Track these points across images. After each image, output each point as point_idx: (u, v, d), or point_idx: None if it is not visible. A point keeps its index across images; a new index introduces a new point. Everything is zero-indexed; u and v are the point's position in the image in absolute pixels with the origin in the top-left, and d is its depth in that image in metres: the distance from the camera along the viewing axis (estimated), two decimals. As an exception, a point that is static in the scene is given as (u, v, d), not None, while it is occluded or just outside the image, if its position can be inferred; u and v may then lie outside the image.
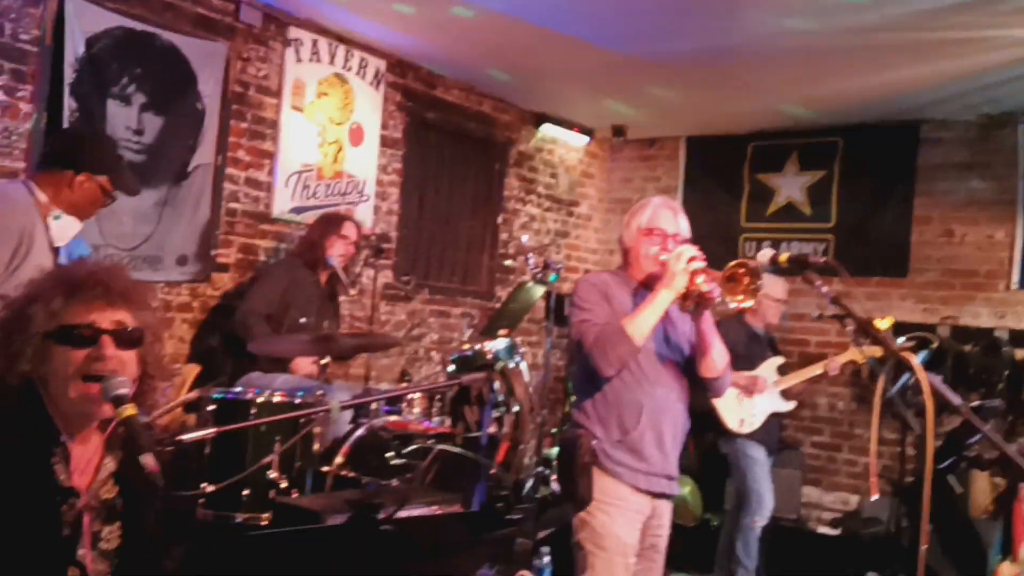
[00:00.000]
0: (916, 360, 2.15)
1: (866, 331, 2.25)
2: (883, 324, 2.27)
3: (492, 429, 3.07)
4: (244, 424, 3.14)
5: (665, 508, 2.90)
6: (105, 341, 1.72)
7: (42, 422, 1.72)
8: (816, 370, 5.12)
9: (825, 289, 2.37)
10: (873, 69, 5.22)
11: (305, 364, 4.28)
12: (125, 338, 1.75)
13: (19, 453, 1.68)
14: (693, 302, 2.67)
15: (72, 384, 1.71)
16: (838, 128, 6.45)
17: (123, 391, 1.72)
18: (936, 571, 4.75)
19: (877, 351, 4.92)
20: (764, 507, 5.04)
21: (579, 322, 2.82)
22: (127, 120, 4.40)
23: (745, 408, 4.99)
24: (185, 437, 1.91)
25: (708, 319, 2.76)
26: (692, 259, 2.63)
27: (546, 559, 3.83)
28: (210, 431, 1.95)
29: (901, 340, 5.24)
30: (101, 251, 4.25)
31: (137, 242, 4.41)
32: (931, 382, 2.11)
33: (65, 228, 2.98)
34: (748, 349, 5.07)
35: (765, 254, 2.55)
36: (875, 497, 3.31)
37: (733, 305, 2.63)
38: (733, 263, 2.64)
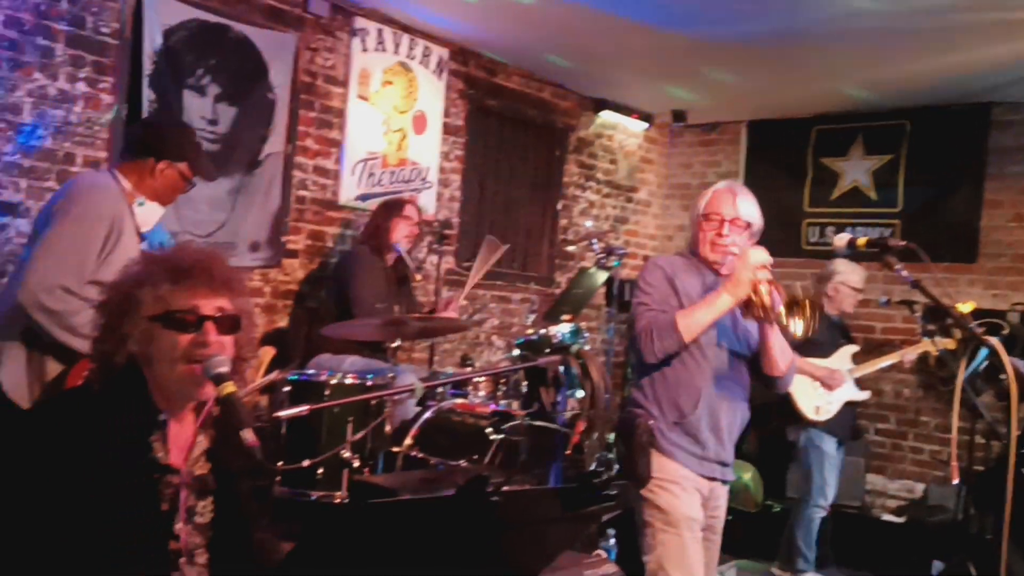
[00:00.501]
0: (1000, 345, 2.13)
1: (949, 316, 2.24)
2: (965, 308, 2.26)
3: (568, 410, 3.11)
4: (339, 402, 3.28)
5: (720, 491, 2.90)
6: (208, 327, 1.80)
7: (144, 401, 1.81)
8: (892, 359, 5.05)
9: (905, 273, 2.35)
10: (943, 50, 5.11)
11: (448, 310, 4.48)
12: (226, 324, 1.83)
13: (123, 430, 1.77)
14: (753, 313, 2.63)
15: (176, 366, 1.79)
16: (906, 111, 6.34)
17: (223, 369, 1.80)
18: (1007, 561, 4.68)
19: (950, 343, 4.88)
20: (827, 498, 5.01)
21: (636, 303, 2.83)
22: (202, 110, 4.53)
23: (821, 396, 4.95)
24: (282, 414, 1.98)
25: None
26: (760, 267, 2.57)
27: (612, 540, 3.88)
28: (304, 409, 2.02)
29: (972, 327, 5.17)
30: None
31: (212, 229, 4.55)
32: (1016, 366, 2.10)
33: (149, 214, 3.04)
34: (823, 336, 5.02)
35: (842, 238, 2.54)
36: (956, 482, 3.28)
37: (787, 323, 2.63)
38: (804, 297, 2.67)
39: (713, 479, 2.84)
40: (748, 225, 2.82)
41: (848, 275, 5.03)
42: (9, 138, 3.92)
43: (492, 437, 3.43)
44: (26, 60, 3.96)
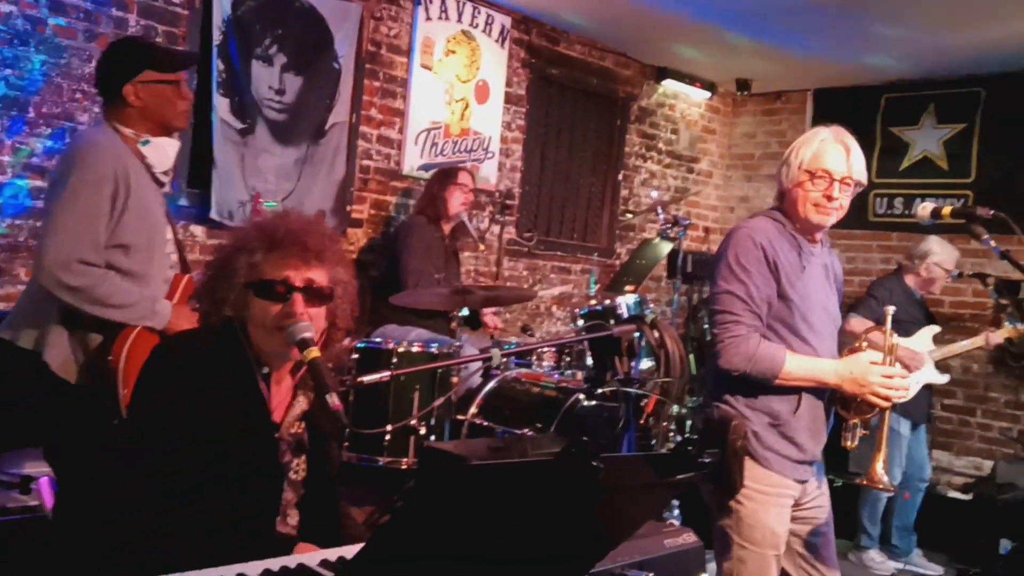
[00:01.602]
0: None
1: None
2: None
3: (642, 380, 3.10)
4: (418, 368, 3.27)
5: (814, 487, 2.59)
6: (296, 298, 1.84)
7: (244, 360, 1.86)
8: (976, 343, 4.90)
9: (993, 243, 2.28)
10: (1017, 15, 4.92)
11: (492, 319, 4.45)
12: (315, 295, 1.87)
13: (229, 385, 1.82)
14: (850, 409, 2.44)
15: (269, 332, 1.83)
16: (980, 78, 6.13)
17: (307, 335, 1.84)
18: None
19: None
20: (895, 479, 4.93)
21: (726, 290, 2.42)
22: (270, 80, 4.57)
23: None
24: (364, 379, 2.02)
25: None
26: (889, 397, 2.35)
27: (676, 511, 3.89)
28: (385, 375, 2.05)
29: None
30: (247, 207, 4.46)
31: (279, 198, 4.60)
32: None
33: (161, 151, 2.70)
34: (905, 314, 4.90)
35: (926, 207, 2.47)
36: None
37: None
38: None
39: (806, 481, 2.54)
40: (858, 185, 2.47)
41: (942, 256, 4.88)
42: (86, 108, 4.01)
43: (585, 403, 3.36)
44: (101, 31, 4.03)
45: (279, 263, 1.85)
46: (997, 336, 4.85)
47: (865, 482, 2.43)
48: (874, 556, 5.04)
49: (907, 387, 2.38)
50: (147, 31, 4.17)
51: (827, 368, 2.40)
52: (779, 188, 2.54)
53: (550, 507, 1.32)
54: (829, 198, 2.41)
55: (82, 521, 2.18)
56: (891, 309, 2.42)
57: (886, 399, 2.35)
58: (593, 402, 3.39)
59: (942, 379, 5.01)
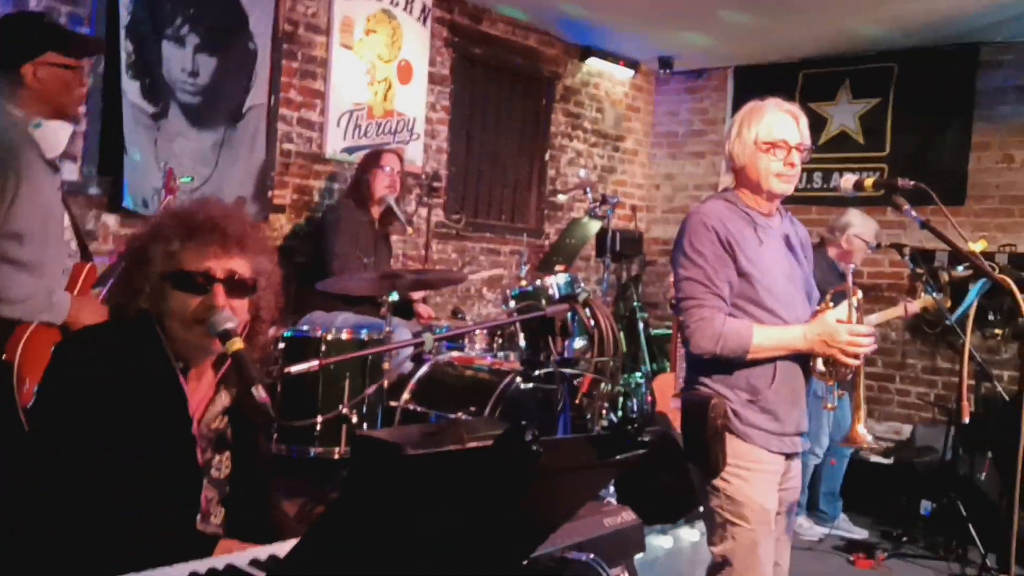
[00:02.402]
0: (1013, 284, 2.12)
1: (960, 253, 2.22)
2: (976, 247, 2.24)
3: (575, 358, 3.09)
4: (350, 356, 3.19)
5: (796, 463, 2.61)
6: (217, 290, 1.75)
7: (158, 355, 1.77)
8: (894, 312, 5.04)
9: (914, 214, 2.33)
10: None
11: (425, 309, 4.39)
12: (237, 287, 1.78)
13: (140, 383, 1.72)
14: (825, 371, 2.47)
15: (188, 326, 1.75)
16: (893, 53, 6.29)
17: (229, 325, 1.76)
18: (994, 499, 4.77)
19: (946, 300, 4.89)
20: (821, 446, 5.06)
21: (687, 279, 2.45)
22: (182, 62, 4.40)
23: None
24: (292, 369, 1.95)
25: None
26: (858, 355, 2.38)
27: (611, 488, 3.90)
28: (314, 364, 1.99)
29: (959, 269, 5.19)
30: (163, 194, 4.28)
31: (197, 184, 4.43)
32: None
33: (52, 134, 2.56)
34: (828, 286, 5.00)
35: (849, 179, 2.51)
36: (966, 420, 3.31)
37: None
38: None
39: (792, 455, 2.55)
40: (808, 149, 2.51)
41: (863, 228, 5.00)
42: (-16, 93, 3.79)
43: (524, 387, 3.34)
44: (-2, 12, 3.81)
45: (199, 253, 1.75)
46: (914, 305, 5.00)
47: (848, 443, 2.50)
48: (802, 522, 5.17)
49: (873, 344, 2.43)
50: (49, 11, 3.95)
51: (795, 334, 2.43)
52: (733, 166, 2.55)
53: (489, 493, 1.29)
54: (792, 165, 2.45)
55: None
56: (851, 267, 2.48)
57: (855, 356, 2.39)
58: (529, 384, 3.37)
59: None
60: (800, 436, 2.56)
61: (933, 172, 6.13)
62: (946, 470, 5.07)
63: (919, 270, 5.36)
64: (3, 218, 2.38)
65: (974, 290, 4.75)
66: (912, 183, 2.37)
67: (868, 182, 2.45)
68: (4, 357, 2.37)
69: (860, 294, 2.45)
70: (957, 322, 4.67)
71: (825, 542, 5.04)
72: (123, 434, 1.65)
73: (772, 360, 2.44)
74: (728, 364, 2.44)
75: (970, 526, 4.60)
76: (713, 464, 2.38)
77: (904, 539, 5.00)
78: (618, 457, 1.40)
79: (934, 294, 4.96)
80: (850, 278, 2.44)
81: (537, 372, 2.36)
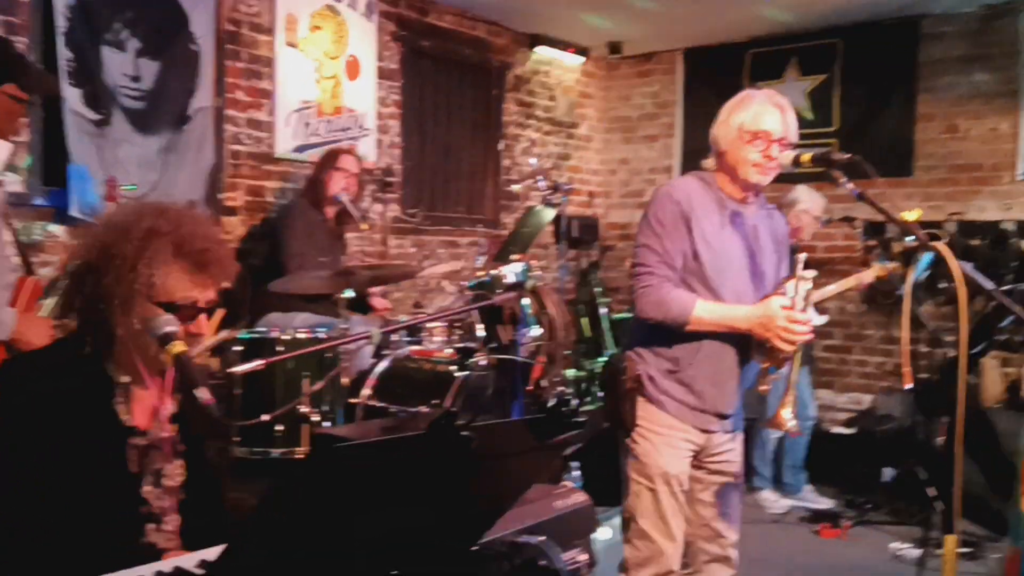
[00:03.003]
0: (947, 249, 2.17)
1: (896, 224, 2.26)
2: (911, 216, 2.29)
3: (526, 347, 3.10)
4: (296, 353, 3.19)
5: (725, 439, 2.68)
6: (201, 320, 1.78)
7: (98, 365, 1.76)
8: (848, 283, 5.12)
9: (851, 186, 2.36)
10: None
11: (380, 302, 4.42)
12: (212, 310, 1.80)
13: (82, 393, 1.72)
14: (763, 354, 2.52)
15: (152, 339, 1.73)
16: (837, 29, 6.36)
17: (170, 328, 1.74)
18: (951, 463, 4.87)
19: (899, 268, 4.98)
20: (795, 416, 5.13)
21: (642, 244, 2.55)
22: (123, 67, 4.34)
23: None
24: (236, 370, 1.94)
25: None
26: (793, 341, 2.42)
27: (576, 473, 3.93)
28: (259, 363, 1.98)
29: (909, 239, 5.29)
30: (106, 204, 4.23)
31: (144, 190, 4.37)
32: (962, 269, 2.14)
33: None
34: None
35: (787, 155, 2.53)
36: (908, 387, 3.37)
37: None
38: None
39: (711, 431, 2.64)
40: (791, 146, 2.55)
41: (810, 203, 5.06)
42: (-82, 107, 3.71)
43: (456, 375, 3.37)
44: (-72, 23, 3.74)
45: (190, 283, 1.74)
46: (868, 275, 5.08)
47: (771, 426, 2.54)
48: (768, 496, 5.25)
49: (810, 333, 2.46)
50: (-18, 20, 3.88)
51: (738, 314, 2.50)
52: (715, 149, 2.62)
53: (428, 481, 1.30)
54: (769, 158, 2.51)
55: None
56: (802, 256, 2.49)
57: (790, 343, 2.43)
58: (464, 372, 3.38)
59: (820, 320, 5.20)
60: (723, 417, 2.63)
61: (880, 144, 6.24)
62: (905, 437, 5.18)
63: (871, 242, 5.45)
64: None
65: (924, 259, 4.83)
66: (847, 156, 2.40)
67: (805, 157, 2.48)
68: None
69: (811, 281, 2.48)
70: (906, 291, 4.75)
71: (791, 514, 5.13)
72: (57, 449, 1.63)
73: (699, 338, 2.52)
74: (659, 335, 2.55)
75: (929, 489, 4.70)
76: (624, 423, 2.53)
77: (868, 507, 5.10)
78: (555, 439, 1.42)
79: (886, 263, 5.05)
80: (800, 265, 2.47)
81: (470, 360, 2.38)
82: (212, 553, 1.60)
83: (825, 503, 5.25)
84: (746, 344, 2.57)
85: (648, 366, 2.59)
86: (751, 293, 2.61)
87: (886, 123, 6.26)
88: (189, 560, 1.56)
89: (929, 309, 5.89)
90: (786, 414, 2.50)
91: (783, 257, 2.74)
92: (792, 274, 2.50)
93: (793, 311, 2.44)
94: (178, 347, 1.74)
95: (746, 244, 2.60)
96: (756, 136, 2.51)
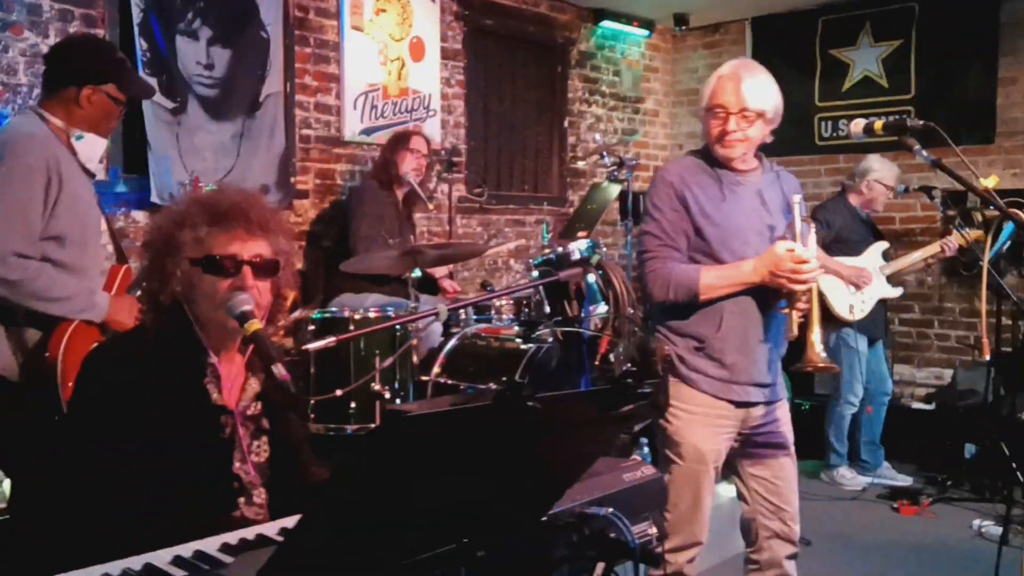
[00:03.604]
0: (1026, 216, 2.09)
1: (974, 192, 2.19)
2: (988, 183, 2.21)
3: (592, 322, 3.11)
4: (365, 331, 3.27)
5: (765, 410, 2.64)
6: (246, 271, 1.81)
7: (192, 342, 1.84)
8: (926, 252, 4.99)
9: (925, 153, 2.29)
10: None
11: (450, 284, 4.53)
12: (263, 268, 1.84)
13: (175, 371, 1.80)
14: (780, 299, 2.50)
15: (218, 309, 1.80)
16: (912, -8, 6.15)
17: (247, 307, 1.81)
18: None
19: (979, 235, 4.83)
20: (857, 396, 5.04)
21: (643, 230, 2.61)
22: (197, 55, 4.46)
23: (854, 295, 4.93)
24: (310, 347, 1.99)
25: None
26: (795, 280, 2.40)
27: (645, 449, 3.93)
28: (331, 340, 2.03)
29: (992, 208, 5.10)
30: (188, 187, 4.37)
31: (220, 175, 4.51)
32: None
33: (91, 147, 2.74)
34: (853, 233, 4.99)
35: (858, 123, 2.46)
36: (987, 358, 3.27)
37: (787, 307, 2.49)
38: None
39: (748, 403, 2.60)
40: (760, 114, 2.52)
41: (882, 172, 4.96)
42: (7, 100, 3.88)
43: (523, 347, 3.39)
44: (14, 19, 3.89)
45: (225, 237, 1.81)
46: (952, 241, 4.93)
47: (807, 364, 2.49)
48: (844, 473, 5.16)
49: (818, 267, 2.45)
50: (63, 15, 4.03)
51: (744, 268, 2.49)
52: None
53: (495, 452, 1.32)
54: (724, 132, 2.51)
55: (37, 519, 2.14)
56: (797, 198, 2.52)
57: (801, 282, 2.42)
58: (529, 345, 3.38)
59: (895, 292, 5.11)
60: (759, 387, 2.60)
61: (960, 111, 6.02)
62: (988, 412, 5.02)
63: (951, 212, 5.28)
64: (45, 221, 2.50)
65: (1007, 229, 4.67)
66: (921, 123, 2.33)
67: (878, 125, 2.41)
68: (48, 356, 2.47)
69: (811, 222, 2.51)
70: (990, 262, 4.60)
71: (868, 491, 5.04)
72: (154, 424, 1.71)
73: (719, 311, 2.52)
74: (679, 313, 2.57)
75: (1013, 465, 4.56)
76: (657, 405, 2.53)
77: (949, 483, 4.97)
78: (621, 410, 1.42)
79: (968, 230, 4.90)
80: (797, 210, 2.48)
81: (536, 333, 2.39)
82: (291, 521, 1.66)
83: (904, 480, 5.14)
84: (766, 306, 2.55)
85: (675, 346, 2.60)
86: (760, 252, 2.59)
87: (966, 88, 6.04)
88: (271, 528, 1.62)
89: (1012, 280, 5.68)
90: (815, 351, 2.47)
91: (798, 212, 2.69)
92: (792, 219, 2.50)
93: (796, 252, 2.43)
94: (255, 325, 1.80)
95: (753, 211, 2.59)
96: (712, 110, 2.54)
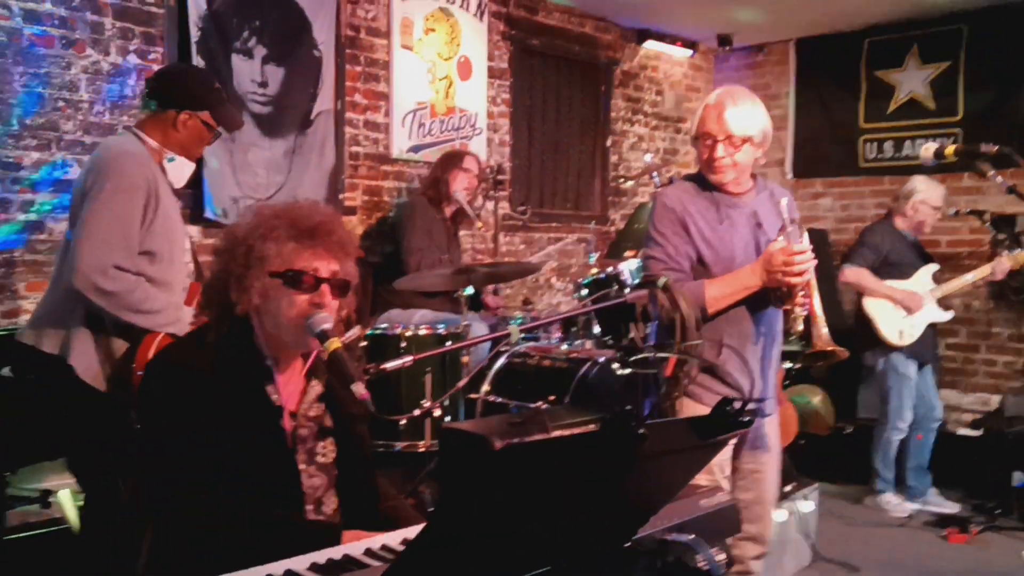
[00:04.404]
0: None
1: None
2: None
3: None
4: (437, 351, 3.36)
5: (759, 423, 2.70)
6: (325, 289, 1.84)
7: (252, 348, 1.87)
8: (978, 275, 4.92)
9: (1000, 179, 2.28)
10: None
11: (493, 300, 4.56)
12: (339, 287, 1.88)
13: (237, 377, 1.83)
14: (780, 298, 2.53)
15: (291, 323, 1.82)
16: (961, 14, 6.10)
17: (327, 326, 1.84)
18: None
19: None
20: (905, 421, 4.97)
21: (647, 255, 2.66)
22: (251, 73, 4.52)
23: (904, 319, 4.87)
24: (387, 366, 2.01)
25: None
26: (790, 273, 2.42)
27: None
28: (408, 360, 2.06)
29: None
30: (240, 203, 4.43)
31: (272, 191, 4.57)
32: None
33: (180, 170, 2.88)
34: (901, 256, 4.93)
35: (929, 148, 2.47)
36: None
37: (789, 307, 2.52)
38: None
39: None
40: (746, 140, 2.56)
41: (928, 193, 4.90)
42: (69, 116, 3.96)
43: (620, 372, 3.44)
44: (77, 37, 3.97)
45: (310, 253, 1.84)
46: (1005, 262, 4.85)
47: (820, 344, 2.51)
48: (890, 499, 5.09)
49: (812, 259, 2.46)
50: (124, 33, 4.11)
51: (745, 272, 2.53)
52: None
53: (593, 478, 1.32)
54: (712, 159, 2.55)
55: (110, 530, 2.17)
56: (784, 200, 2.55)
57: (796, 274, 2.42)
58: (626, 370, 3.38)
59: (946, 316, 5.03)
60: (761, 402, 2.65)
61: (1008, 133, 5.95)
62: (1037, 439, 4.94)
63: (1000, 235, 5.21)
64: (142, 237, 2.62)
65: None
66: (996, 147, 2.32)
67: (949, 149, 2.41)
68: (135, 368, 2.53)
69: (799, 224, 2.53)
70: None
71: (916, 518, 4.96)
72: (218, 431, 1.74)
73: (719, 331, 2.57)
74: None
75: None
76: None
77: (998, 511, 4.88)
78: (719, 438, 1.42)
79: (1017, 252, 4.83)
80: (785, 212, 2.50)
81: (632, 358, 2.40)
82: (376, 542, 1.66)
83: (952, 507, 5.05)
84: (766, 320, 2.61)
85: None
86: None
87: (1016, 110, 5.97)
88: (356, 548, 1.62)
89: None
90: (824, 334, 2.49)
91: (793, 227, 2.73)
92: (783, 223, 2.52)
93: (788, 248, 2.46)
94: (335, 344, 1.83)
95: (748, 231, 2.64)
96: (700, 138, 2.59)
